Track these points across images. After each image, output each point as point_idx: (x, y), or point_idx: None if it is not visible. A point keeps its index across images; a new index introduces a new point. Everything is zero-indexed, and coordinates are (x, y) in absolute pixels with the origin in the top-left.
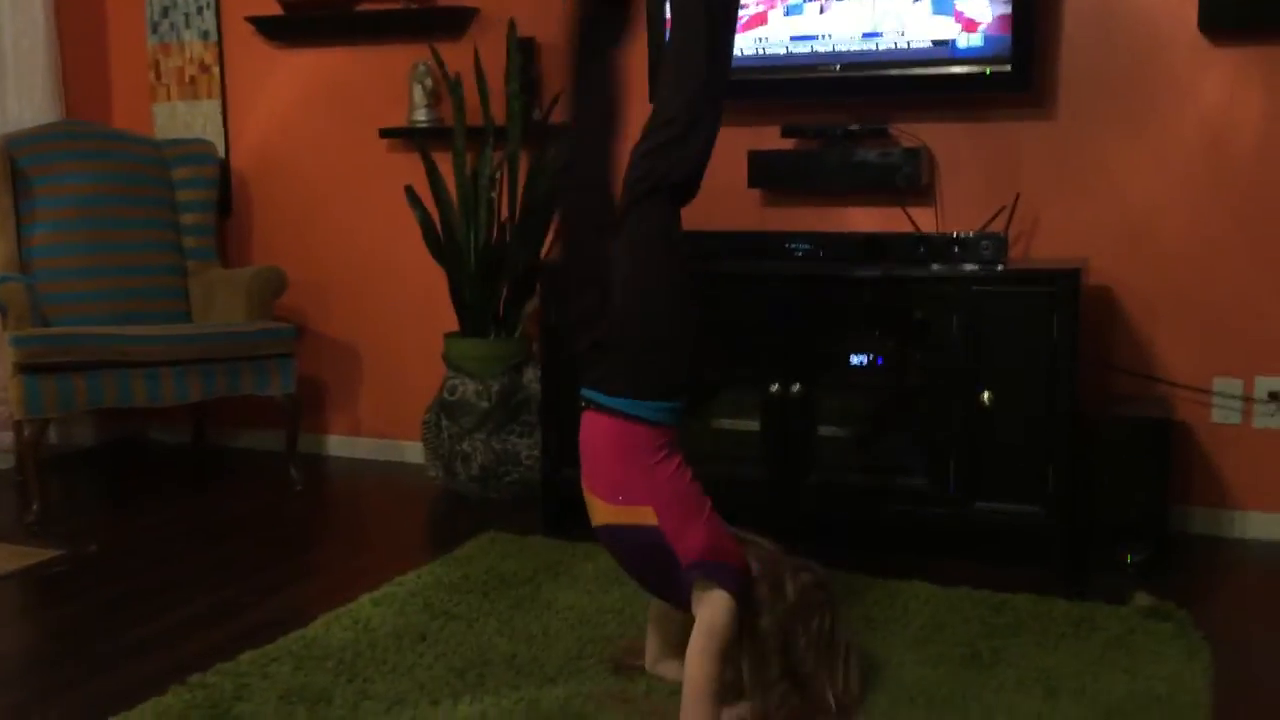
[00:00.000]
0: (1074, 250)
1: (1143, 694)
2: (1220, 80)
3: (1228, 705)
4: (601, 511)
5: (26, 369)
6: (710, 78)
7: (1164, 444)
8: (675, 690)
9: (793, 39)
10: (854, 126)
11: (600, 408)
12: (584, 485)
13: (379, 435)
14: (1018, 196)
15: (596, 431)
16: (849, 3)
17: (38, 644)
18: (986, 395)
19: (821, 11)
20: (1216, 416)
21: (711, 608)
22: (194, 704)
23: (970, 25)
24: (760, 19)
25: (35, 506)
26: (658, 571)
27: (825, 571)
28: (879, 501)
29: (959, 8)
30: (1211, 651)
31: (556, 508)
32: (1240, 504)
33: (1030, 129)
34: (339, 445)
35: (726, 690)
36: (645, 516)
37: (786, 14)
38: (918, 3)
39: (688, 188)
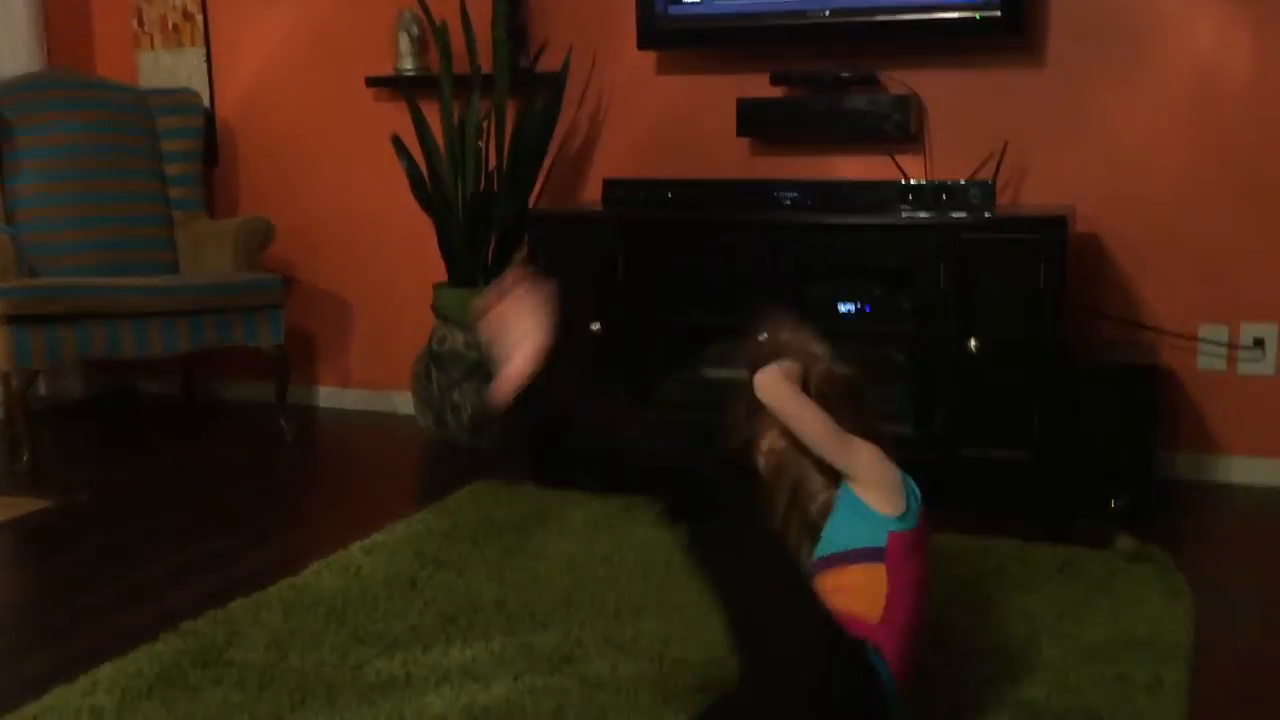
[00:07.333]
0: (1062, 198)
1: (1124, 636)
2: (1211, 24)
3: (1208, 647)
4: None
5: (13, 320)
6: None
7: (1150, 390)
8: (668, 637)
9: None
10: (843, 74)
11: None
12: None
13: (369, 386)
14: (1006, 144)
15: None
16: None
17: (29, 593)
18: (973, 342)
19: None
20: (1202, 363)
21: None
22: (186, 650)
23: None
24: None
25: (25, 457)
26: None
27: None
28: None
29: None
30: (1193, 594)
31: (546, 456)
32: (1225, 449)
33: (1020, 76)
34: (329, 396)
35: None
36: None
37: None
38: None
39: None
